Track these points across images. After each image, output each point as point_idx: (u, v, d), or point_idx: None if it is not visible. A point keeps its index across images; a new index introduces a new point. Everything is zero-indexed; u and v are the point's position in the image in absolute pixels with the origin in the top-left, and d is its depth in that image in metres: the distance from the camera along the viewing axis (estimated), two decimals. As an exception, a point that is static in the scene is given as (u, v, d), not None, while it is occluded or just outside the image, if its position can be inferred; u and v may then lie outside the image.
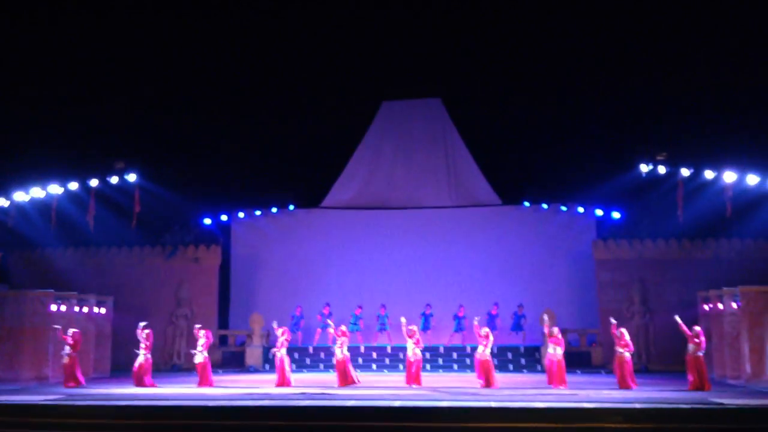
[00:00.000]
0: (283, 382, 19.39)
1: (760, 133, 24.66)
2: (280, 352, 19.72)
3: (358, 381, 19.45)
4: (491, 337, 19.32)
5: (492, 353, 19.45)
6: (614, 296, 26.24)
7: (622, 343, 18.68)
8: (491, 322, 25.15)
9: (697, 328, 18.71)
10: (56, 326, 20.75)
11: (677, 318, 18.89)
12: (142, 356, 19.77)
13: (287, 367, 19.61)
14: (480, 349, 19.06)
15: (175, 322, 27.12)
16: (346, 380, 19.27)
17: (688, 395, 16.75)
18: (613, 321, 19.50)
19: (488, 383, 18.66)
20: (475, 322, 19.84)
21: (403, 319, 20.20)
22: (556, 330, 19.19)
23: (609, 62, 27.94)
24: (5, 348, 20.97)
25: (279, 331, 20.23)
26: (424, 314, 26.26)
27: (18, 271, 27.34)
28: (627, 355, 18.59)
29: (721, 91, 25.92)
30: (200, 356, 19.88)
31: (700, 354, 18.26)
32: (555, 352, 18.80)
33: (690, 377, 18.24)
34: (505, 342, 25.63)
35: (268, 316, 25.01)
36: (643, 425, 13.50)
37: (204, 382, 19.65)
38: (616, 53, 27.90)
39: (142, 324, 20.18)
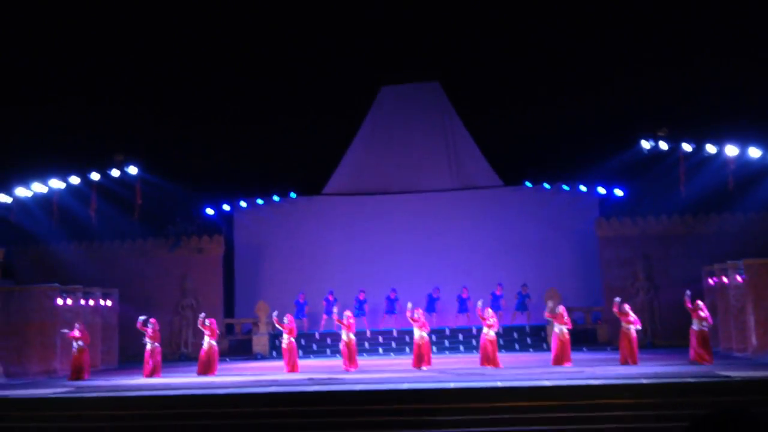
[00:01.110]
0: (293, 368, 19.59)
1: (760, 106, 24.56)
2: (290, 340, 19.90)
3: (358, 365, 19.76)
4: (494, 318, 19.34)
5: (497, 333, 19.44)
6: (618, 273, 26.24)
7: (629, 319, 18.64)
8: (495, 302, 25.15)
9: (699, 303, 18.61)
10: (64, 330, 20.50)
11: (687, 293, 18.75)
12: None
13: (295, 354, 19.92)
14: (485, 329, 19.10)
15: (182, 313, 27.23)
16: (351, 363, 19.50)
17: (694, 369, 16.77)
18: (616, 299, 19.39)
19: (492, 363, 18.67)
20: (478, 306, 19.84)
21: (409, 305, 20.21)
22: (560, 309, 19.26)
23: (609, 40, 27.81)
24: (13, 343, 21.03)
25: (285, 320, 20.35)
26: (430, 296, 26.28)
27: (23, 267, 27.39)
28: (633, 331, 18.57)
29: (720, 66, 25.80)
30: (208, 345, 19.98)
31: (705, 328, 18.21)
32: (561, 330, 18.90)
33: (692, 350, 18.19)
34: (509, 322, 25.66)
35: (274, 304, 25.06)
36: (650, 400, 13.53)
37: (208, 370, 19.72)
38: (616, 30, 27.77)
39: (141, 318, 20.14)
